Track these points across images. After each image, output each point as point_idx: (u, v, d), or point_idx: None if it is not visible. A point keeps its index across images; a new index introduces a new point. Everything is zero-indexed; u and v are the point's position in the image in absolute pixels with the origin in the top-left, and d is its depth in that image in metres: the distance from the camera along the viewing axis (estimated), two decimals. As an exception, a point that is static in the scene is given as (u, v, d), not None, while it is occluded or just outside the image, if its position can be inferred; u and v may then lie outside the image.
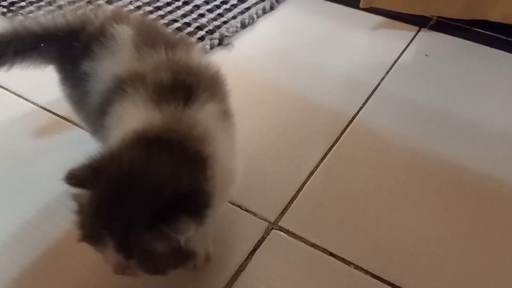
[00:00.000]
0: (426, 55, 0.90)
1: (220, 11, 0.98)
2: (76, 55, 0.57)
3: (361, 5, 0.90)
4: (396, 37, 0.95)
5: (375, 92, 0.81)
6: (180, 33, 0.89)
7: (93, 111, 0.55)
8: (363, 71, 0.86)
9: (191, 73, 0.50)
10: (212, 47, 0.88)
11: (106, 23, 0.55)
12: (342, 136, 0.72)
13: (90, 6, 0.61)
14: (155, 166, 0.41)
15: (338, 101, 0.79)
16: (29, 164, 0.66)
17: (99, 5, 0.60)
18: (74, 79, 0.58)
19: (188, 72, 0.50)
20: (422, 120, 0.76)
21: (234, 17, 0.96)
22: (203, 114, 0.47)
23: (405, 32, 0.96)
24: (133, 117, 0.46)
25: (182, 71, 0.50)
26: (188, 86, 0.48)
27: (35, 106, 0.75)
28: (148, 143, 0.42)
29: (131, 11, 0.64)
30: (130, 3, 0.98)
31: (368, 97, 0.80)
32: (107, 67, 0.53)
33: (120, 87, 0.49)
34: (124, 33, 0.54)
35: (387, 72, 0.85)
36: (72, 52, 0.57)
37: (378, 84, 0.83)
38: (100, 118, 0.52)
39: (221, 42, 0.90)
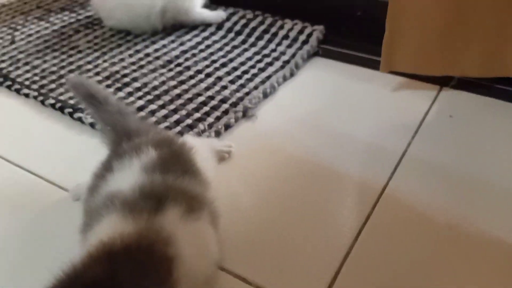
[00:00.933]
0: (450, 116, 0.90)
1: (242, 81, 1.00)
2: (114, 153, 0.59)
3: (380, 70, 0.91)
4: (418, 97, 0.95)
5: (403, 159, 0.81)
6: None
7: (88, 211, 0.56)
8: (388, 136, 0.86)
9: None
10: (236, 120, 0.90)
11: (147, 143, 0.58)
12: (375, 210, 0.72)
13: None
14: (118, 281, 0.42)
15: (367, 171, 0.79)
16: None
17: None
18: (102, 167, 0.60)
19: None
20: (454, 187, 0.75)
21: (256, 87, 0.98)
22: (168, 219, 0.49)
23: (426, 92, 0.96)
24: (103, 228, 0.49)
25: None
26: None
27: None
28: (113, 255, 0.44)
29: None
30: (155, 78, 1.02)
31: (396, 165, 0.80)
32: (112, 180, 0.55)
33: (108, 202, 0.52)
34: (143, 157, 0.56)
35: (413, 137, 0.85)
36: (116, 148, 0.60)
37: (405, 150, 0.82)
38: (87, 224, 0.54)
39: (245, 114, 0.91)
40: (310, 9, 1.16)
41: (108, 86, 0.99)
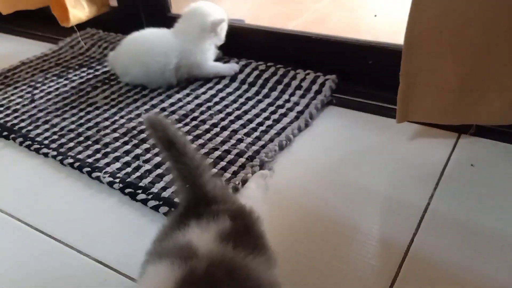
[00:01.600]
0: (471, 165, 0.88)
1: (257, 134, 1.00)
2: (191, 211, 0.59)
3: (397, 121, 0.91)
4: (437, 146, 0.94)
5: (426, 214, 0.79)
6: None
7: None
8: (408, 189, 0.84)
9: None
10: (253, 174, 0.90)
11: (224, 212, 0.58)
12: (401, 271, 0.69)
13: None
14: None
15: (389, 227, 0.77)
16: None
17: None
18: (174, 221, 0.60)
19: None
20: (481, 243, 0.73)
21: (271, 140, 0.98)
22: None
23: (445, 140, 0.95)
24: None
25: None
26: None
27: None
28: None
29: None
30: (171, 133, 1.02)
31: (420, 221, 0.78)
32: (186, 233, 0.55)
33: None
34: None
35: (435, 189, 0.84)
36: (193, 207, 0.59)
37: (428, 204, 0.81)
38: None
39: (262, 168, 0.91)
40: (321, 59, 1.17)
41: (125, 142, 1.01)
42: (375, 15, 1.55)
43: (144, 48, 1.17)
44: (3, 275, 0.75)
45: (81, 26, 1.44)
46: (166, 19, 1.39)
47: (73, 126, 1.08)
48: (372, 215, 0.80)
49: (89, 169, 0.93)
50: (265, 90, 1.16)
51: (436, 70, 0.84)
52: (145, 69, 1.17)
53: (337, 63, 1.16)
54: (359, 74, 1.13)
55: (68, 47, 1.47)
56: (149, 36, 1.20)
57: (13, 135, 1.06)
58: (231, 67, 1.22)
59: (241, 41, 1.29)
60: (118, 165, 0.94)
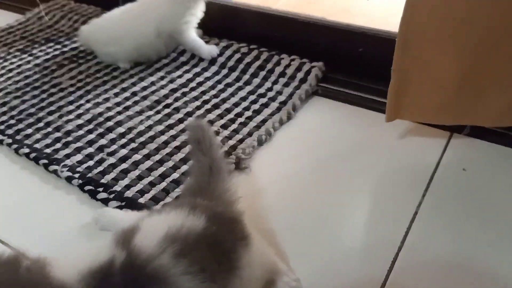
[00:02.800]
0: (463, 169, 0.82)
1: (235, 126, 0.92)
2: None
3: (386, 120, 0.83)
4: (428, 146, 0.87)
5: (413, 223, 0.72)
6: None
7: None
8: (396, 192, 0.78)
9: None
10: (228, 172, 0.82)
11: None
12: (388, 280, 0.63)
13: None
14: None
15: (375, 234, 0.71)
16: None
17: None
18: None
19: None
20: (471, 250, 0.67)
21: (250, 134, 0.90)
22: None
23: (436, 140, 0.88)
24: None
25: None
26: None
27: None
28: None
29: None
30: (141, 122, 0.94)
31: (407, 230, 0.71)
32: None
33: None
34: None
35: (423, 196, 0.77)
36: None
37: (416, 212, 0.74)
38: None
39: (238, 166, 0.83)
40: (308, 44, 1.08)
41: (90, 131, 0.91)
42: None
43: (133, 21, 1.10)
44: None
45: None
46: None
47: (33, 110, 0.98)
48: (357, 219, 0.74)
49: (46, 161, 0.84)
50: (247, 76, 1.06)
51: (432, 65, 0.76)
52: (136, 42, 1.09)
53: (325, 49, 1.06)
54: (347, 63, 1.04)
55: (36, 19, 1.35)
56: (132, 8, 1.12)
57: (-38, 118, 0.96)
58: (210, 50, 1.11)
59: (223, 20, 1.19)
60: (79, 157, 0.85)
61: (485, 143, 0.87)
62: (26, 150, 0.87)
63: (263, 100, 0.99)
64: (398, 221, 0.73)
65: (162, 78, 1.08)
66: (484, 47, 0.73)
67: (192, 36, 1.12)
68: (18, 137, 0.91)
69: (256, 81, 1.05)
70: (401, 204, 0.76)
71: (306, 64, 1.05)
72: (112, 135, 0.90)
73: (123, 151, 0.86)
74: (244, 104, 0.98)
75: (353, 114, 0.97)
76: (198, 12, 1.10)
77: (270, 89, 1.02)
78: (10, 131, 0.92)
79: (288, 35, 1.11)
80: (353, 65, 1.03)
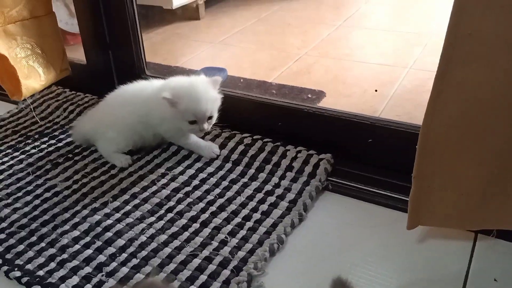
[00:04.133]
0: (495, 280, 0.75)
1: (243, 232, 0.86)
2: None
3: (407, 228, 0.78)
4: (452, 251, 0.81)
5: None
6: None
7: None
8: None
9: None
10: (240, 293, 0.75)
11: None
12: None
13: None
14: None
15: None
16: None
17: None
18: None
19: None
20: None
21: (260, 243, 0.83)
22: None
23: (460, 243, 0.82)
24: None
25: None
26: None
27: None
28: None
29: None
30: (142, 232, 0.87)
31: None
32: None
33: None
34: None
35: (457, 315, 0.70)
36: None
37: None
38: None
39: (250, 284, 0.76)
40: (315, 134, 1.05)
41: (87, 245, 0.84)
42: (376, 90, 1.44)
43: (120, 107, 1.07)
44: None
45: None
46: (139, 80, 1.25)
47: (25, 221, 0.91)
48: None
49: (39, 287, 0.76)
50: (252, 171, 1.02)
51: (455, 172, 0.72)
52: (129, 128, 1.06)
53: (332, 140, 1.03)
54: (357, 154, 1.01)
55: (29, 110, 1.31)
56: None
57: (-50, 235, 0.89)
58: (211, 149, 1.06)
59: (223, 109, 1.16)
60: (75, 279, 0.77)
61: (513, 244, 0.82)
62: (17, 274, 0.79)
63: (271, 199, 0.93)
64: None
65: (163, 175, 1.02)
66: (508, 152, 0.69)
67: (190, 139, 1.07)
68: (8, 256, 0.83)
69: (262, 176, 1.00)
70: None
71: (314, 157, 1.01)
72: (111, 249, 0.83)
73: (124, 270, 0.79)
74: (252, 204, 0.93)
75: (368, 212, 0.91)
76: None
77: (277, 185, 0.97)
78: (0, 249, 0.85)
79: (292, 125, 1.08)
80: (363, 157, 1.00)
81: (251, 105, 1.12)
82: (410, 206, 0.75)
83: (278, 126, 1.09)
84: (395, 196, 0.92)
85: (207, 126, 1.00)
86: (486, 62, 0.63)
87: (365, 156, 1.00)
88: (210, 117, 1.00)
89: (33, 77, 1.11)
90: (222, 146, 1.08)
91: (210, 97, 0.99)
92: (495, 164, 0.70)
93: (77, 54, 1.39)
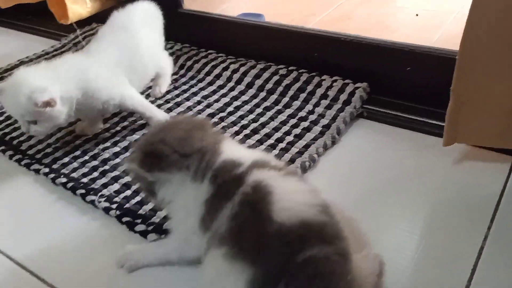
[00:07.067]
0: (531, 200, 0.74)
1: (276, 152, 0.87)
2: None
3: (444, 144, 0.76)
4: (489, 172, 0.79)
5: (479, 261, 0.65)
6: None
7: None
8: (455, 227, 0.70)
9: None
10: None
11: None
12: None
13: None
14: None
15: (436, 276, 0.64)
16: None
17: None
18: None
19: None
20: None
21: (292, 160, 0.85)
22: None
23: (498, 165, 0.80)
24: None
25: None
26: None
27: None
28: None
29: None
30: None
31: (473, 269, 0.64)
32: None
33: None
34: None
35: (489, 228, 0.70)
36: None
37: (482, 248, 0.67)
38: None
39: (282, 195, 0.78)
40: (351, 64, 1.03)
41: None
42: (417, 14, 1.38)
43: None
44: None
45: (86, 21, 1.33)
46: (178, 15, 1.27)
47: (69, 138, 0.96)
48: (412, 256, 0.67)
49: (83, 191, 0.81)
50: (286, 99, 1.02)
51: (494, 89, 0.69)
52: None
53: (370, 69, 1.01)
54: (395, 83, 0.98)
55: (72, 44, 1.35)
56: None
57: (3, 147, 0.95)
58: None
59: (259, 42, 1.16)
60: (116, 186, 0.82)
61: (554, 168, 0.79)
62: (63, 180, 0.84)
63: (304, 124, 0.94)
64: (462, 257, 0.66)
65: (199, 103, 1.04)
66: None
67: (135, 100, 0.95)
68: (54, 166, 0.89)
69: (297, 103, 1.00)
70: (464, 238, 0.69)
71: (350, 85, 1.00)
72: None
73: (161, 180, 0.83)
74: (285, 128, 0.94)
75: (403, 137, 0.90)
76: None
77: (311, 112, 0.97)
78: (47, 160, 0.90)
79: (328, 55, 1.06)
80: (400, 85, 0.97)
81: (286, 36, 1.12)
82: (447, 120, 0.74)
83: (314, 57, 1.08)
84: (432, 122, 0.90)
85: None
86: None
87: (402, 85, 0.97)
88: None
89: (80, 3, 1.16)
90: (256, 77, 1.09)
91: None
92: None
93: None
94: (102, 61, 0.91)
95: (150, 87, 1.09)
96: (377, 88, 1.00)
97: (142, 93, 1.02)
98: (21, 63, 1.28)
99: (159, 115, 0.96)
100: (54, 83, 0.82)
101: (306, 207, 0.53)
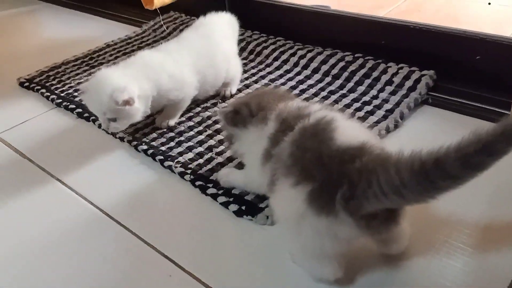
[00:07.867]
0: None
1: (339, 132, 0.91)
2: None
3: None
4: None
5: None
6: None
7: None
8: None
9: None
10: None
11: None
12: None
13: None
14: None
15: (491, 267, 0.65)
16: None
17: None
18: None
19: None
20: None
21: (355, 140, 0.88)
22: None
23: None
24: None
25: None
26: None
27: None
28: None
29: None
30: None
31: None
32: None
33: None
34: None
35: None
36: None
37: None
38: None
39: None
40: (418, 52, 1.04)
41: (199, 132, 0.97)
42: (489, 3, 1.35)
43: None
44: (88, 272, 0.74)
45: (165, 9, 1.44)
46: (249, 4, 1.33)
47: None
48: (468, 254, 0.68)
49: (161, 157, 0.90)
50: (351, 84, 1.05)
51: None
52: None
53: (437, 57, 1.02)
54: (462, 71, 0.99)
55: (151, 31, 1.47)
56: None
57: (93, 117, 1.07)
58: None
59: (326, 29, 1.19)
60: (190, 155, 0.90)
61: None
62: (145, 147, 0.94)
63: (368, 108, 0.97)
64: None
65: (266, 85, 1.11)
66: None
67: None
68: (137, 135, 0.99)
69: (361, 89, 1.03)
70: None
71: (416, 73, 1.01)
72: (219, 137, 0.94)
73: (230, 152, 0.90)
74: (348, 111, 0.97)
75: (467, 126, 0.90)
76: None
77: (375, 97, 1.00)
78: (130, 130, 1.01)
79: (396, 43, 1.08)
80: (468, 73, 0.98)
81: (352, 23, 1.15)
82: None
83: (381, 45, 1.10)
84: (500, 111, 0.90)
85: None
86: None
87: (470, 73, 0.97)
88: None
89: (165, -9, 1.27)
90: (323, 63, 1.13)
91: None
92: None
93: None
94: (179, 62, 0.99)
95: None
96: (444, 76, 1.00)
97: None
98: (107, 46, 1.41)
99: None
100: (133, 83, 0.90)
101: (363, 135, 0.60)
